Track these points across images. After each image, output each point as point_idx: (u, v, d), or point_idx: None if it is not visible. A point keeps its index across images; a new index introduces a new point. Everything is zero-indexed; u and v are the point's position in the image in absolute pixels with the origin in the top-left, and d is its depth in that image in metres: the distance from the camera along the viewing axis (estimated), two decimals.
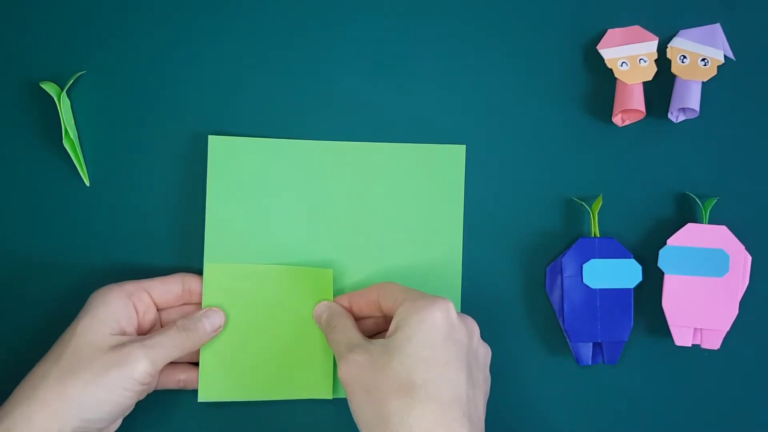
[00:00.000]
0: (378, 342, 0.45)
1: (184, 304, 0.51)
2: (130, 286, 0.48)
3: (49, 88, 0.51)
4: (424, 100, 0.53)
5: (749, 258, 0.51)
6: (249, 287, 0.50)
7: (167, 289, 0.49)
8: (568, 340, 0.51)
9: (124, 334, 0.47)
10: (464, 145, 0.52)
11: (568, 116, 0.54)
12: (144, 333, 0.49)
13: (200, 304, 0.50)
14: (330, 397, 0.51)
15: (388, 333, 0.45)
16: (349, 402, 0.45)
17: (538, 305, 0.53)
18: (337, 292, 0.51)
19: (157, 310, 0.50)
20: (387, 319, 0.49)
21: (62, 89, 0.52)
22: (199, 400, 0.50)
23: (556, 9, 0.54)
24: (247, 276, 0.50)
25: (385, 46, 0.53)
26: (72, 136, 0.51)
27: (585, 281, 0.51)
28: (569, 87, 0.54)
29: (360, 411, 0.44)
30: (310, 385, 0.50)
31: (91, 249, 0.52)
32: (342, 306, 0.50)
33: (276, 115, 0.53)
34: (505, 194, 0.53)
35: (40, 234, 0.52)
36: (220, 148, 0.51)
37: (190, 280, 0.50)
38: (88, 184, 0.53)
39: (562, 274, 0.51)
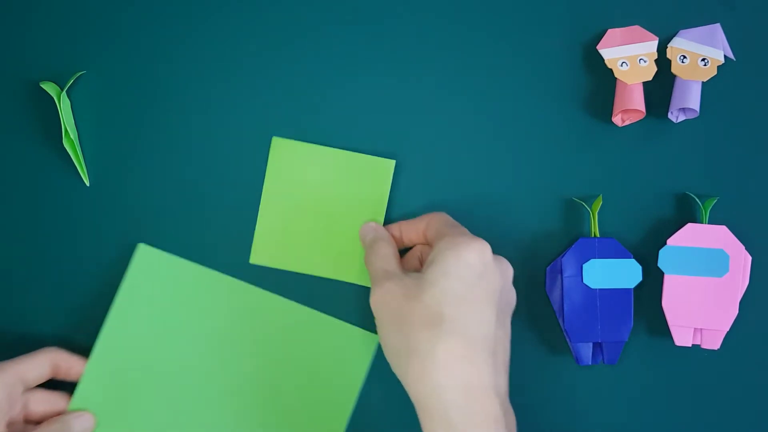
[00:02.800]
0: (413, 275, 0.46)
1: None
2: (5, 377, 0.47)
3: (49, 88, 0.51)
4: (425, 100, 0.53)
5: (749, 258, 0.51)
6: (311, 166, 0.52)
7: (35, 366, 0.48)
8: (568, 340, 0.51)
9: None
10: (394, 161, 0.52)
11: (568, 116, 0.54)
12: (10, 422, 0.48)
13: (67, 380, 0.50)
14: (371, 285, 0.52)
15: (425, 266, 0.46)
16: (378, 328, 0.46)
17: (538, 305, 0.53)
18: None
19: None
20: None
21: (62, 89, 0.52)
22: (250, 262, 0.52)
23: (556, 9, 0.54)
24: (310, 155, 0.52)
25: (386, 47, 0.53)
26: (72, 136, 0.51)
27: (585, 281, 0.51)
28: (569, 87, 0.54)
29: (388, 338, 0.45)
30: (354, 269, 0.52)
31: (91, 249, 0.52)
32: (392, 234, 0.51)
33: (276, 115, 0.53)
34: (505, 194, 0.53)
35: (40, 234, 0.53)
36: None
37: (59, 356, 0.50)
38: (88, 184, 0.53)
39: (562, 274, 0.51)
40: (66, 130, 0.51)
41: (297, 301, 0.52)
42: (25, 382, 0.48)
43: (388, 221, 0.52)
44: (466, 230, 0.47)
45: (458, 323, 0.43)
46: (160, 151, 0.53)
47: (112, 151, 0.53)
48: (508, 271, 0.47)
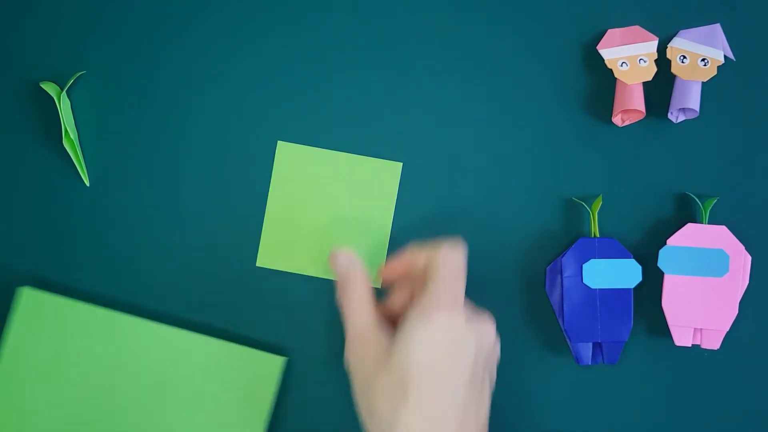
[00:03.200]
0: (385, 335, 0.45)
1: None
2: None
3: (49, 88, 0.51)
4: (425, 101, 0.53)
5: (749, 258, 0.51)
6: (317, 170, 0.52)
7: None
8: (568, 340, 0.51)
9: None
10: (401, 163, 0.52)
11: (568, 116, 0.54)
12: None
13: None
14: (378, 286, 0.52)
15: (399, 326, 0.44)
16: (351, 384, 0.45)
17: (538, 305, 0.53)
18: None
19: None
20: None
21: (62, 89, 0.52)
22: (257, 265, 0.52)
23: (556, 9, 0.54)
24: (316, 158, 0.52)
25: (386, 49, 0.53)
26: (72, 136, 0.51)
27: (585, 281, 0.51)
28: (569, 87, 0.54)
29: (357, 398, 0.44)
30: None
31: (91, 249, 0.52)
32: (400, 262, 0.49)
33: (278, 117, 0.53)
34: (505, 194, 0.53)
35: (40, 234, 0.53)
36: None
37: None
38: (88, 184, 0.53)
39: (562, 274, 0.51)
40: (66, 130, 0.51)
41: (303, 303, 0.52)
42: None
43: (397, 231, 0.52)
44: (452, 284, 0.45)
45: (422, 398, 0.42)
46: (161, 151, 0.53)
47: (112, 151, 0.53)
48: (487, 332, 0.45)
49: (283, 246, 0.52)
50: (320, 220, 0.52)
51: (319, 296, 0.52)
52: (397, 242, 0.52)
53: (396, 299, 0.49)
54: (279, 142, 0.52)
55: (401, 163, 0.52)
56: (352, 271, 0.48)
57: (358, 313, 0.46)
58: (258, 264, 0.52)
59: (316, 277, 0.52)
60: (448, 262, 0.46)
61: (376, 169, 0.52)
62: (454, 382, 0.43)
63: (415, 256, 0.48)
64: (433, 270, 0.46)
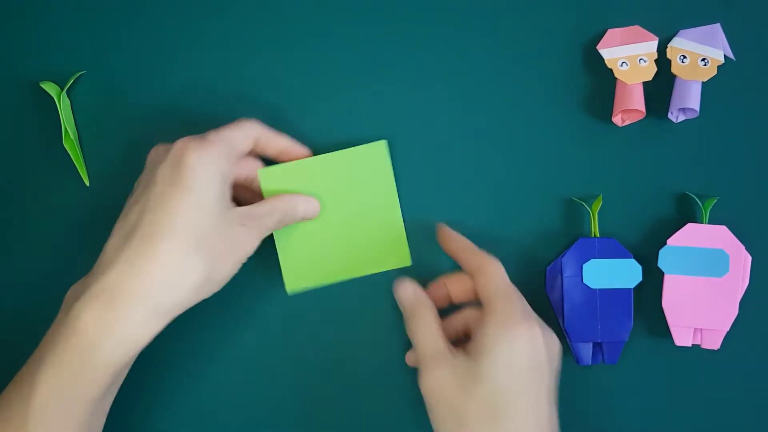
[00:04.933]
0: (462, 359, 0.45)
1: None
2: (221, 144, 0.45)
3: (49, 88, 0.51)
4: (425, 101, 0.53)
5: (749, 258, 0.51)
6: (305, 181, 0.51)
7: (244, 137, 0.48)
8: (568, 340, 0.51)
9: (230, 202, 0.46)
10: (384, 140, 0.51)
11: (568, 116, 0.54)
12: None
13: (264, 154, 0.50)
14: (409, 263, 0.52)
15: (474, 348, 0.45)
16: (429, 413, 0.45)
17: (538, 305, 0.53)
18: None
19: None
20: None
21: (62, 89, 0.52)
22: (288, 293, 0.51)
23: (556, 9, 0.54)
24: (300, 171, 0.51)
25: (386, 47, 0.53)
26: (72, 136, 0.51)
27: (585, 281, 0.51)
28: (569, 87, 0.54)
29: (442, 425, 0.44)
30: (389, 256, 0.52)
31: (91, 249, 0.52)
32: (437, 294, 0.50)
33: (273, 115, 0.53)
34: (505, 194, 0.53)
35: (40, 234, 0.53)
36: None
37: (261, 129, 0.49)
38: (88, 184, 0.53)
39: (562, 274, 0.51)
40: (66, 130, 0.51)
41: (346, 308, 0.53)
42: (236, 150, 0.47)
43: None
44: (516, 298, 0.46)
45: (514, 417, 0.43)
46: None
47: (112, 151, 0.53)
48: (556, 347, 0.47)
49: (305, 264, 0.52)
50: (330, 226, 0.51)
51: (363, 297, 0.53)
52: (412, 226, 0.52)
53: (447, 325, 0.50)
54: (259, 171, 0.50)
55: (385, 140, 0.51)
56: (419, 300, 0.49)
57: (430, 339, 0.47)
58: (289, 291, 0.52)
59: (349, 281, 0.52)
60: (502, 277, 0.47)
61: (364, 156, 0.51)
62: (540, 401, 0.44)
63: (459, 279, 0.50)
64: (494, 286, 0.47)
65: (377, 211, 0.52)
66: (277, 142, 0.50)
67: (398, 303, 0.50)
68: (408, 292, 0.49)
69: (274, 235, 0.51)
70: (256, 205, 0.48)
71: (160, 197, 0.43)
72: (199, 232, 0.43)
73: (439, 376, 0.45)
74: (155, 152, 0.47)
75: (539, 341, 0.45)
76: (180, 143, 0.45)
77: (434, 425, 0.45)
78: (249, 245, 0.46)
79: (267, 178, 0.50)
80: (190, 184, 0.43)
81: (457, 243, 0.50)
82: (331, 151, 0.51)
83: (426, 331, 0.47)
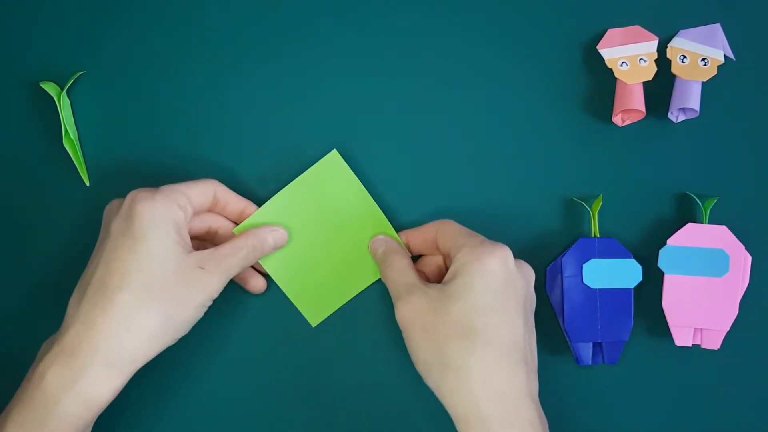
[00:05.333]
0: (435, 286, 0.46)
1: (208, 211, 0.50)
2: (172, 194, 0.46)
3: (49, 88, 0.51)
4: (425, 101, 0.53)
5: (749, 258, 0.51)
6: (280, 218, 0.51)
7: (201, 193, 0.48)
8: (568, 340, 0.51)
9: (189, 248, 0.46)
10: (334, 150, 0.51)
11: (568, 116, 0.54)
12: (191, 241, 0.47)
13: (227, 216, 0.51)
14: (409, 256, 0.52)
15: (447, 277, 0.46)
16: (406, 341, 0.46)
17: (538, 305, 0.53)
18: None
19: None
20: (444, 258, 0.51)
21: (62, 89, 0.52)
22: (314, 326, 0.52)
23: (556, 9, 0.54)
24: (271, 212, 0.51)
25: (386, 46, 0.53)
26: (72, 136, 0.51)
27: (585, 281, 0.51)
28: (569, 87, 0.54)
29: (419, 351, 0.45)
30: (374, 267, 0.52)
31: (91, 249, 0.52)
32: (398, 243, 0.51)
33: (272, 115, 0.53)
34: (505, 194, 0.53)
35: (40, 234, 0.53)
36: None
37: (220, 188, 0.49)
38: (88, 184, 0.53)
39: (562, 274, 0.51)
40: (66, 130, 0.51)
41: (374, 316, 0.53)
42: (191, 202, 0.47)
43: (392, 222, 0.52)
44: (482, 237, 0.47)
45: (489, 335, 0.44)
46: (161, 151, 0.53)
47: (112, 151, 0.53)
48: (531, 275, 0.48)
49: (317, 294, 0.52)
50: (322, 249, 0.51)
51: (362, 298, 0.53)
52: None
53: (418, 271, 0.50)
54: (234, 230, 0.50)
55: (334, 149, 0.51)
56: (390, 247, 0.50)
57: (401, 276, 0.48)
58: (313, 324, 0.52)
59: (363, 292, 0.52)
60: (459, 226, 0.49)
61: (323, 172, 0.51)
62: (513, 317, 0.45)
63: (419, 232, 0.51)
64: (454, 232, 0.48)
65: (359, 217, 0.51)
66: (236, 204, 0.50)
67: (373, 257, 0.51)
68: (378, 240, 0.51)
69: (276, 279, 0.51)
70: (219, 246, 0.47)
71: (113, 250, 0.44)
72: (152, 280, 0.43)
73: (413, 301, 0.46)
74: (110, 207, 0.47)
75: (510, 261, 0.46)
76: (131, 195, 0.46)
77: (412, 354, 0.46)
78: (211, 288, 0.46)
79: (242, 231, 0.50)
80: (141, 233, 0.44)
81: (407, 236, 0.51)
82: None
83: (398, 271, 0.48)
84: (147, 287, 0.43)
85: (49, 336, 0.46)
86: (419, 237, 0.51)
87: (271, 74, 0.53)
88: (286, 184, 0.51)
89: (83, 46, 0.53)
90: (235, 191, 0.51)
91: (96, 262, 0.45)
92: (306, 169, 0.51)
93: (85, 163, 0.53)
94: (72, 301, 0.45)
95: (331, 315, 0.53)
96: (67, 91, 0.52)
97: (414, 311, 0.45)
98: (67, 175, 0.52)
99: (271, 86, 0.53)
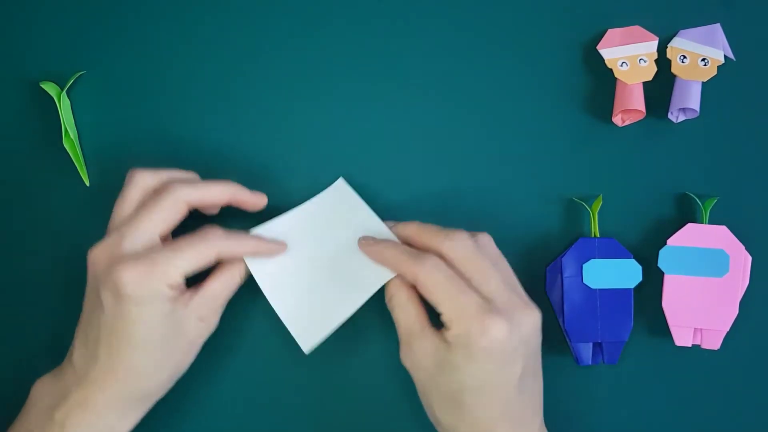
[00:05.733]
0: (438, 338, 0.45)
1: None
2: (163, 276, 0.43)
3: (49, 88, 0.51)
4: (425, 100, 0.53)
5: (749, 258, 0.51)
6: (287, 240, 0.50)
7: (198, 260, 0.45)
8: (568, 340, 0.51)
9: (185, 302, 0.45)
10: (341, 177, 0.52)
11: (568, 116, 0.54)
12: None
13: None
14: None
15: (448, 331, 0.44)
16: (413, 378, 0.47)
17: (538, 305, 0.53)
18: None
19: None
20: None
21: (62, 89, 0.52)
22: (306, 354, 0.49)
23: (556, 9, 0.54)
24: (274, 233, 0.50)
25: (385, 45, 0.53)
26: (72, 136, 0.51)
27: (585, 281, 0.51)
28: (569, 87, 0.54)
29: (420, 395, 0.47)
30: (376, 274, 0.49)
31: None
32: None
33: (270, 115, 0.53)
34: (505, 194, 0.53)
35: (40, 234, 0.52)
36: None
37: (224, 246, 0.46)
38: (88, 184, 0.53)
39: (562, 274, 0.51)
40: (66, 130, 0.51)
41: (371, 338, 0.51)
42: (185, 275, 0.45)
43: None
44: (465, 292, 0.44)
45: (478, 412, 0.44)
46: (161, 151, 0.53)
47: (112, 151, 0.53)
48: (528, 323, 0.44)
49: (310, 319, 0.50)
50: (320, 270, 0.50)
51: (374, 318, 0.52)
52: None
53: None
54: (245, 260, 0.49)
55: (341, 177, 0.52)
56: (402, 293, 0.47)
57: (404, 311, 0.47)
58: (306, 352, 0.49)
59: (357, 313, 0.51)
60: (441, 276, 0.44)
61: (330, 198, 0.51)
62: (505, 392, 0.44)
63: (418, 237, 0.48)
64: (435, 293, 0.44)
65: (354, 244, 0.50)
66: (243, 249, 0.47)
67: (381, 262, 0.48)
68: (393, 289, 0.48)
69: (272, 303, 0.49)
70: (211, 282, 0.47)
71: (111, 331, 0.44)
72: (156, 345, 0.45)
73: (415, 352, 0.45)
74: (93, 258, 0.45)
75: (503, 336, 0.43)
76: (118, 268, 0.43)
77: (420, 396, 0.47)
78: (212, 326, 0.47)
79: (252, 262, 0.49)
80: (136, 317, 0.43)
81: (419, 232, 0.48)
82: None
83: (406, 315, 0.46)
84: (154, 350, 0.45)
85: (51, 334, 0.46)
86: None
87: (269, 74, 0.53)
88: (288, 208, 0.51)
89: (83, 46, 0.53)
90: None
91: (97, 334, 0.44)
92: (310, 195, 0.51)
93: (85, 163, 0.53)
94: (78, 353, 0.45)
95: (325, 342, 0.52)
96: (67, 91, 0.52)
97: (416, 362, 0.45)
98: (67, 175, 0.52)
99: (268, 86, 0.53)
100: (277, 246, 0.49)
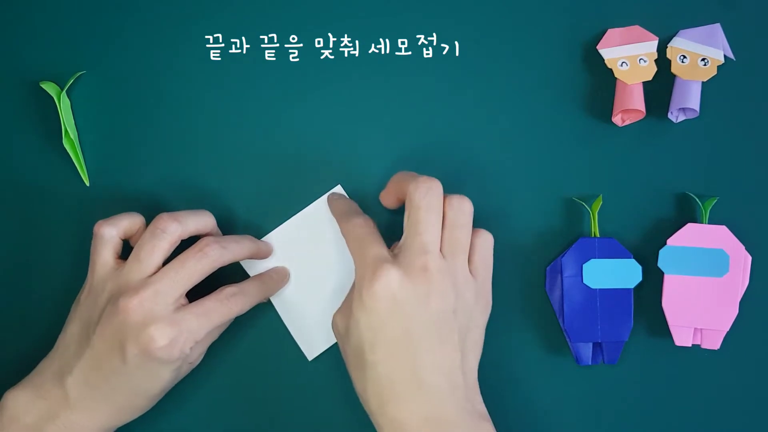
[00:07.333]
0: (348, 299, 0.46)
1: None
2: (181, 337, 0.45)
3: (49, 88, 0.51)
4: (424, 100, 0.53)
5: (749, 258, 0.51)
6: (283, 252, 0.52)
7: (208, 326, 0.47)
8: (568, 340, 0.51)
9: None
10: (338, 185, 0.52)
11: (568, 116, 0.54)
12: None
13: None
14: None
15: (355, 279, 0.46)
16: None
17: (538, 305, 0.53)
18: None
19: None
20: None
21: (62, 89, 0.52)
22: (310, 360, 0.52)
23: (556, 9, 0.54)
24: (278, 238, 0.52)
25: (384, 45, 0.53)
26: (72, 136, 0.51)
27: (585, 281, 0.51)
28: (569, 87, 0.54)
29: (346, 366, 0.47)
30: None
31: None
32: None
33: (269, 115, 0.53)
34: (505, 194, 0.53)
35: (40, 234, 0.52)
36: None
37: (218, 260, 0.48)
38: (88, 184, 0.53)
39: (562, 274, 0.51)
40: (66, 130, 0.51)
41: None
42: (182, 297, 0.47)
43: (395, 223, 0.52)
44: (371, 244, 0.46)
45: (377, 371, 0.44)
46: (161, 151, 0.53)
47: (112, 151, 0.53)
48: (433, 291, 0.44)
49: (315, 327, 0.52)
50: (324, 280, 0.51)
51: None
52: None
53: None
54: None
55: (338, 185, 0.52)
56: (351, 207, 0.50)
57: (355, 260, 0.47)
58: (310, 359, 0.52)
59: None
60: (413, 203, 0.46)
61: (324, 206, 0.52)
62: (402, 348, 0.44)
63: (395, 186, 0.49)
64: (349, 241, 0.47)
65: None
66: (240, 252, 0.49)
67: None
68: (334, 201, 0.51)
69: (278, 309, 0.52)
70: (205, 336, 0.48)
71: (127, 381, 0.46)
72: (155, 399, 0.48)
73: (337, 316, 0.47)
74: (126, 310, 0.45)
75: (392, 285, 0.43)
76: (152, 330, 0.44)
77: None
78: (195, 365, 0.49)
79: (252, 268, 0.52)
80: (155, 376, 0.46)
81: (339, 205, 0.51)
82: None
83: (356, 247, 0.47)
84: (157, 396, 0.48)
85: (51, 335, 0.46)
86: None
87: (273, 72, 0.53)
88: (285, 214, 0.52)
89: (83, 46, 0.53)
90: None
91: (107, 373, 0.45)
92: (294, 206, 0.52)
93: (85, 163, 0.53)
94: (73, 381, 0.46)
95: (328, 348, 0.52)
96: (67, 91, 0.52)
97: (335, 326, 0.47)
98: (67, 175, 0.52)
99: (270, 86, 0.53)
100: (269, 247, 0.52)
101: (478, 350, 0.47)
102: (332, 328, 0.47)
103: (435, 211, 0.46)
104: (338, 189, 0.52)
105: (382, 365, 0.44)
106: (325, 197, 0.52)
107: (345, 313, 0.46)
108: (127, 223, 0.48)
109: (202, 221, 0.48)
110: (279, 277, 0.51)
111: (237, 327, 0.52)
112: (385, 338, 0.44)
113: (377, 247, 0.45)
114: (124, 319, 0.44)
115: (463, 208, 0.47)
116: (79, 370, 0.45)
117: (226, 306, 0.47)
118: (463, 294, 0.46)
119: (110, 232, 0.47)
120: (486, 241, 0.48)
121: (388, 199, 0.50)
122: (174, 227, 0.46)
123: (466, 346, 0.46)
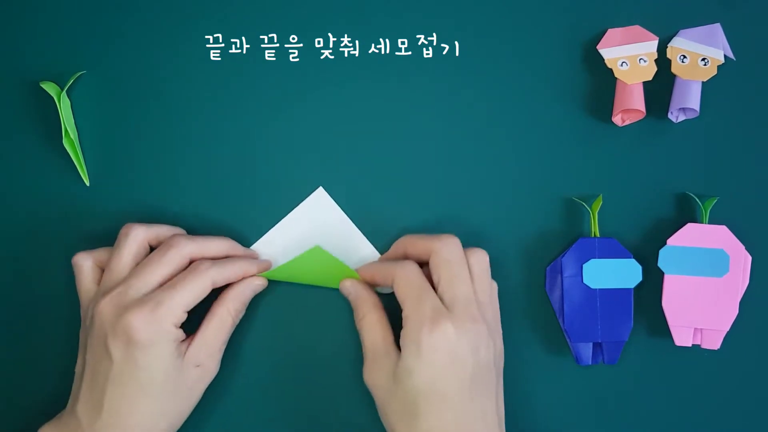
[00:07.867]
0: (393, 356, 0.46)
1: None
2: (168, 315, 0.45)
3: (49, 88, 0.51)
4: (424, 100, 0.53)
5: (749, 258, 0.51)
6: (272, 257, 0.52)
7: (196, 297, 0.47)
8: (568, 340, 0.51)
9: (184, 348, 0.47)
10: (320, 187, 0.52)
11: (568, 116, 0.54)
12: None
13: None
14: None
15: (403, 330, 0.46)
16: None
17: (538, 305, 0.53)
18: None
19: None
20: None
21: (62, 89, 0.52)
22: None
23: (556, 9, 0.54)
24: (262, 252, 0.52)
25: (383, 45, 0.53)
26: (72, 136, 0.51)
27: (585, 281, 0.51)
28: (569, 87, 0.54)
29: (380, 415, 0.47)
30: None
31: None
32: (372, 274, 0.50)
33: (269, 115, 0.53)
34: (505, 194, 0.53)
35: (40, 234, 0.52)
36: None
37: (218, 275, 0.48)
38: (88, 184, 0.53)
39: (562, 274, 0.51)
40: (66, 130, 0.51)
41: None
42: (187, 311, 0.47)
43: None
44: (425, 297, 0.46)
45: (431, 422, 0.44)
46: (161, 151, 0.53)
47: (112, 151, 0.53)
48: (482, 341, 0.46)
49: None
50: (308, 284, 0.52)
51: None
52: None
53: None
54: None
55: (320, 187, 0.52)
56: (361, 294, 0.49)
57: (371, 332, 0.48)
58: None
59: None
60: (413, 278, 0.47)
61: (311, 210, 0.52)
62: (458, 398, 0.44)
63: (411, 247, 0.49)
64: (402, 288, 0.46)
65: (347, 250, 0.52)
66: (233, 273, 0.49)
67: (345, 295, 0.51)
68: (348, 286, 0.50)
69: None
70: (205, 326, 0.48)
71: (118, 380, 0.45)
72: (161, 398, 0.46)
73: (374, 371, 0.46)
74: (101, 312, 0.46)
75: (451, 337, 0.44)
76: (127, 315, 0.44)
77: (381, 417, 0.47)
78: (211, 372, 0.49)
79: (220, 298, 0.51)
80: (144, 364, 0.45)
81: (370, 269, 0.50)
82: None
83: (369, 329, 0.48)
84: (157, 395, 0.46)
85: (51, 335, 0.46)
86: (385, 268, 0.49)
87: (268, 75, 0.53)
88: (270, 220, 0.52)
89: (83, 46, 0.53)
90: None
91: (102, 384, 0.45)
92: (292, 207, 0.52)
93: (85, 163, 0.53)
94: (81, 405, 0.46)
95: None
96: (67, 91, 0.52)
97: (374, 380, 0.47)
98: (67, 175, 0.52)
99: (270, 86, 0.53)
100: (265, 264, 0.51)
101: (501, 392, 0.48)
102: (366, 383, 0.47)
103: (465, 265, 0.47)
104: (320, 191, 0.52)
105: (434, 416, 0.44)
106: (307, 201, 0.52)
107: (383, 365, 0.46)
108: (102, 252, 0.49)
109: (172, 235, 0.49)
110: (259, 261, 0.51)
111: (239, 331, 0.52)
112: (443, 389, 0.44)
113: (434, 298, 0.46)
114: (100, 319, 0.45)
115: (485, 259, 0.48)
116: (83, 393, 0.46)
117: (196, 275, 0.47)
118: (496, 341, 0.48)
119: (86, 262, 0.48)
120: (494, 290, 0.50)
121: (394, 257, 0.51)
122: (135, 231, 0.48)
123: (499, 390, 0.48)
